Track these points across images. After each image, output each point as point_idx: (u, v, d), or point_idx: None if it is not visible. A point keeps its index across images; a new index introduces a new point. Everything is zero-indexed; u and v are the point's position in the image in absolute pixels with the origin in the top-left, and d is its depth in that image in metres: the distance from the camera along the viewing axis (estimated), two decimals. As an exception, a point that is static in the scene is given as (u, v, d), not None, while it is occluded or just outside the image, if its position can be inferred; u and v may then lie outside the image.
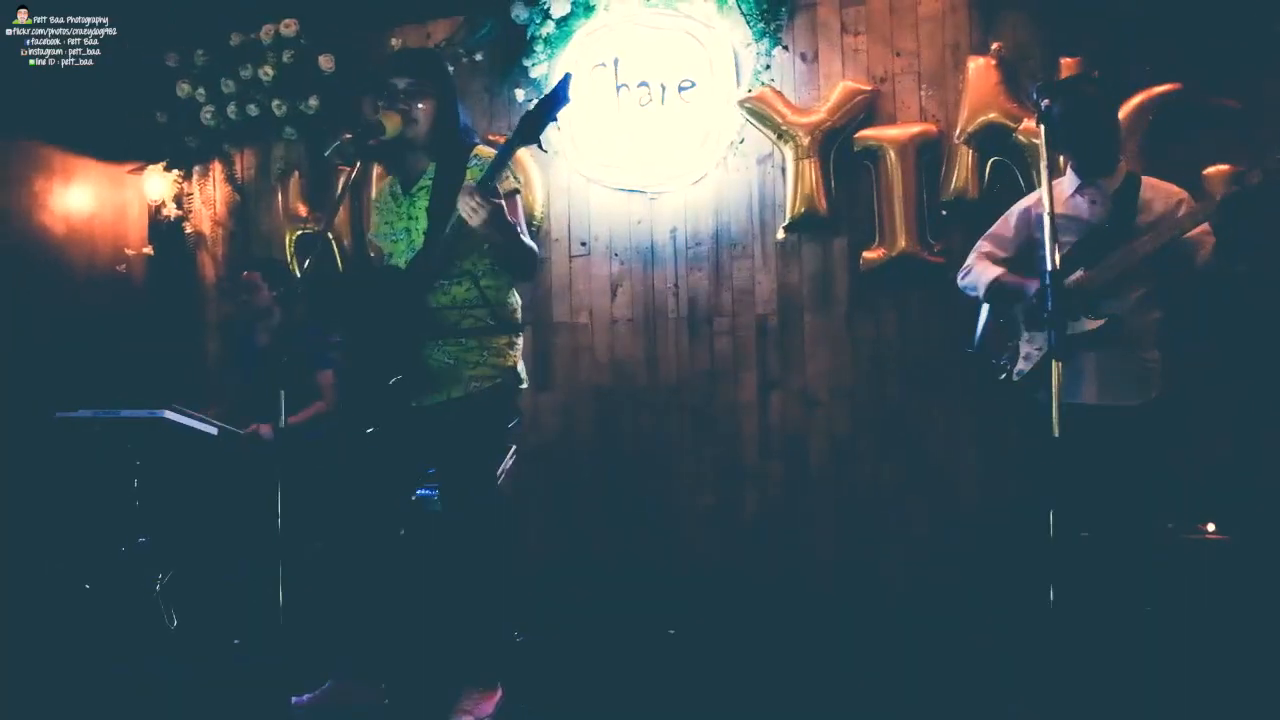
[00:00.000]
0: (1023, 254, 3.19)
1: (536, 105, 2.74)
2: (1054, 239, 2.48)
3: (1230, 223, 2.75)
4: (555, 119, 2.75)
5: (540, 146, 2.81)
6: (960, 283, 3.33)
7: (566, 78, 2.73)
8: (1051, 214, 2.47)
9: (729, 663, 3.53)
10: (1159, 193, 3.03)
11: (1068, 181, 3.11)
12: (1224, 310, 3.49)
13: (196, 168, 5.16)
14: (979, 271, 3.22)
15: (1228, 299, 3.41)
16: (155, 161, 5.17)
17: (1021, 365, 3.09)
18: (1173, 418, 3.04)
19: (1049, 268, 2.46)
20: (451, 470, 3.02)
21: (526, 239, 2.90)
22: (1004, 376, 3.15)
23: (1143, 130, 3.58)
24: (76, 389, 4.32)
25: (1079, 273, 2.96)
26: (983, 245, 3.28)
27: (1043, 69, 3.77)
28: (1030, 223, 3.17)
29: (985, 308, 3.26)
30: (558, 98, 2.73)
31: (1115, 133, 3.09)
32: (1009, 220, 3.25)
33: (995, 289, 3.15)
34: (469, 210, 2.68)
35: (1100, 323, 2.91)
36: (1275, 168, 2.67)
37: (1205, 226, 2.87)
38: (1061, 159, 3.22)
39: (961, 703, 3.06)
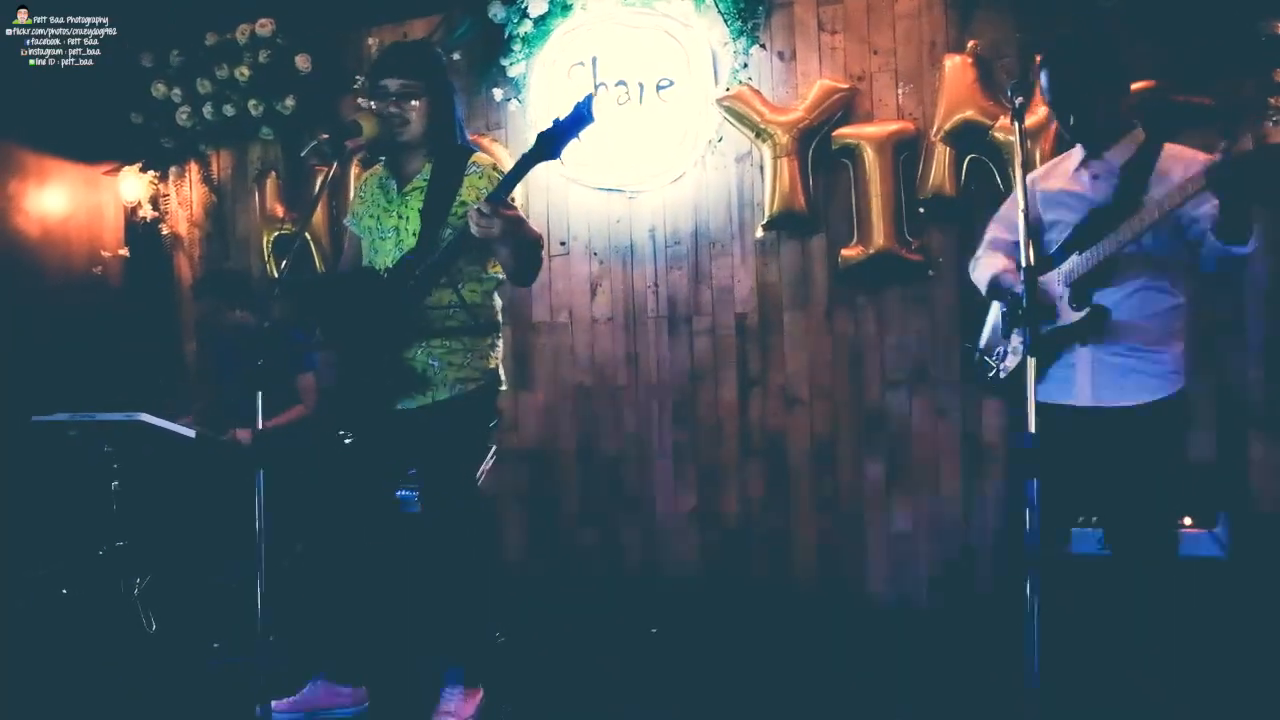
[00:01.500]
0: (1033, 235, 2.75)
1: (556, 124, 2.70)
2: (1028, 229, 2.38)
3: (1228, 189, 2.30)
4: (579, 137, 2.72)
5: (561, 163, 2.81)
6: (972, 276, 3.03)
7: (589, 97, 2.69)
8: (1027, 210, 2.38)
9: (711, 662, 3.54)
10: (1180, 162, 2.59)
11: (1075, 155, 2.78)
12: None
13: (173, 169, 5.13)
14: (984, 266, 2.93)
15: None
16: (131, 163, 5.14)
17: (1009, 362, 2.85)
18: (1186, 420, 2.78)
19: (1023, 262, 2.36)
20: (433, 472, 3.02)
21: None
22: (992, 375, 2.92)
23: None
24: (53, 392, 4.28)
25: (1074, 258, 2.65)
26: (991, 229, 3.00)
27: (1019, 67, 3.79)
28: (1036, 200, 2.83)
29: (992, 303, 2.99)
30: (581, 117, 2.68)
31: (1113, 93, 2.65)
32: (1016, 199, 2.86)
33: (993, 285, 2.85)
34: (482, 228, 2.66)
35: (1082, 314, 2.61)
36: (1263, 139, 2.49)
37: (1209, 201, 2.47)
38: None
39: (944, 701, 3.07)
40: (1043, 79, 2.69)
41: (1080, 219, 2.67)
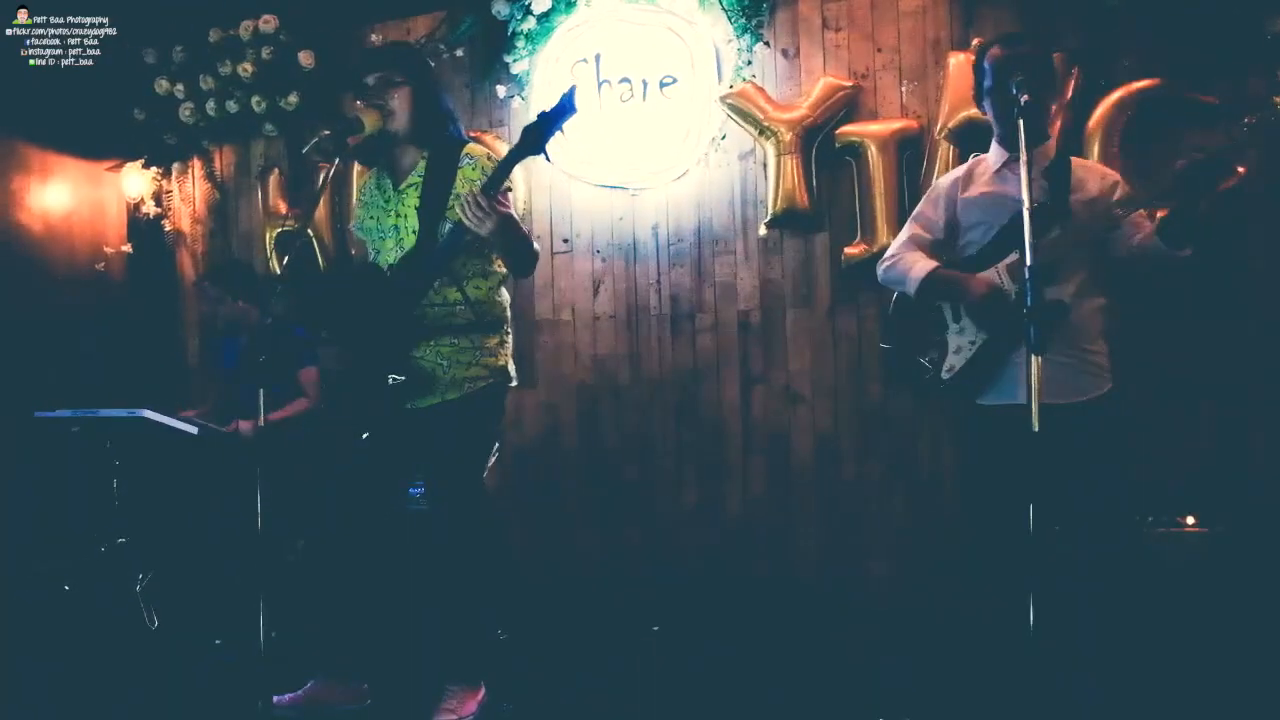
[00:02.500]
0: (950, 237, 2.89)
1: (540, 117, 2.70)
2: (1009, 234, 2.45)
3: (1183, 197, 2.50)
4: (561, 129, 2.72)
5: (546, 158, 2.78)
6: (881, 275, 2.97)
7: (573, 89, 2.69)
8: (1031, 208, 2.33)
9: (713, 659, 3.53)
10: (1091, 172, 2.81)
11: (992, 157, 2.84)
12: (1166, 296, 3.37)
13: (175, 165, 5.13)
14: (906, 263, 2.86)
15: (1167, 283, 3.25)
16: (134, 159, 5.14)
17: (952, 361, 2.78)
18: (1128, 411, 2.82)
19: (1028, 262, 2.32)
20: (440, 470, 3.02)
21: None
22: (929, 376, 2.84)
23: (1122, 126, 3.59)
24: (55, 388, 4.29)
25: (1013, 256, 2.67)
26: (909, 228, 2.95)
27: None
28: (955, 203, 2.86)
29: (896, 296, 2.97)
30: (564, 108, 2.68)
31: (1048, 96, 2.74)
32: (936, 198, 2.94)
33: (929, 286, 2.80)
34: (474, 219, 2.65)
35: (1057, 301, 2.60)
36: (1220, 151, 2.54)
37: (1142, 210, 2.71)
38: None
39: (946, 700, 3.07)
40: (983, 83, 2.76)
41: (1010, 218, 2.67)
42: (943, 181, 2.97)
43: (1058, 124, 2.85)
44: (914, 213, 3.00)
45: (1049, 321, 2.54)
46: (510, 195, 2.98)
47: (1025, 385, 2.37)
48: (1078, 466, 2.64)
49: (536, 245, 2.97)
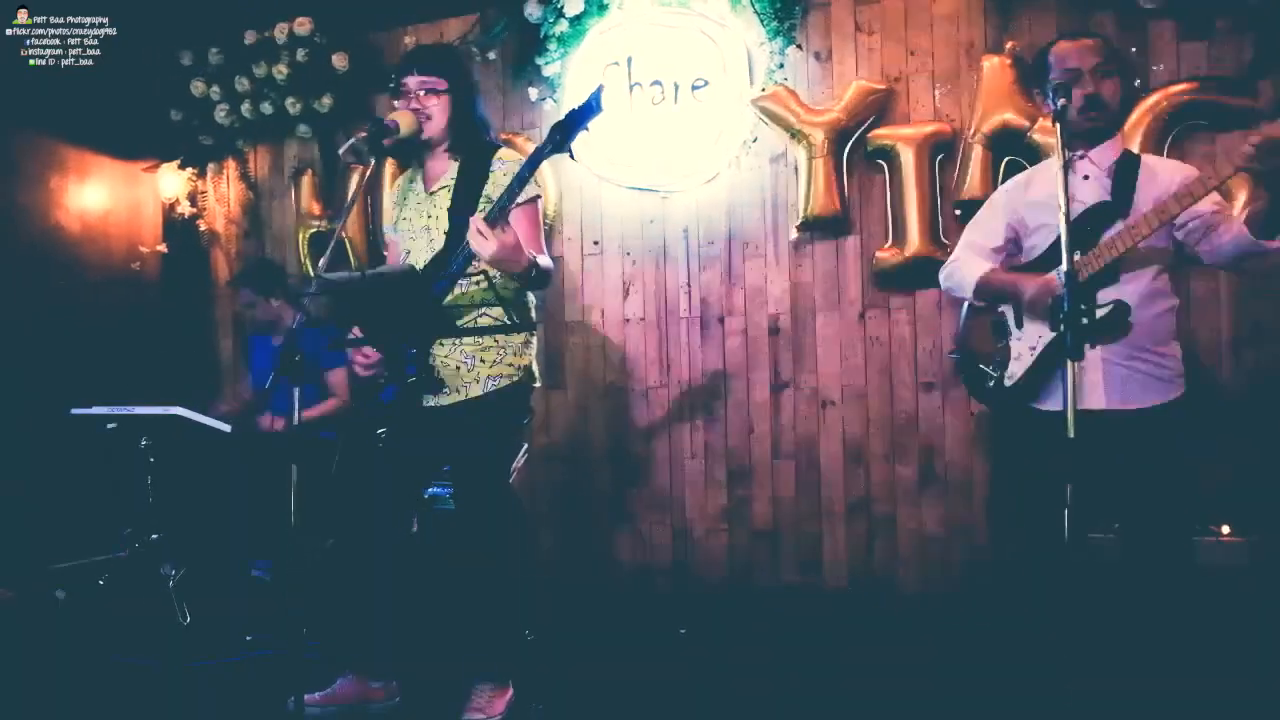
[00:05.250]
0: (1012, 243, 2.89)
1: (567, 115, 2.69)
2: (1070, 236, 2.32)
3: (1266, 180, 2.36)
4: (587, 128, 2.71)
5: (571, 156, 2.77)
6: (943, 282, 3.00)
7: (599, 88, 2.68)
8: (1068, 212, 2.32)
9: (740, 663, 3.52)
10: (1164, 166, 2.71)
11: (1054, 160, 2.74)
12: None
13: (210, 166, 5.19)
14: (964, 268, 2.89)
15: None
16: (170, 159, 5.21)
17: (1013, 369, 2.77)
18: (1198, 419, 2.73)
19: (1064, 266, 2.31)
20: (466, 469, 3.03)
21: (538, 256, 2.81)
22: (992, 384, 2.83)
23: (1158, 130, 3.55)
24: (91, 385, 4.33)
25: (1075, 257, 2.55)
26: (968, 235, 2.96)
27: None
28: (1018, 206, 2.84)
29: (966, 306, 2.97)
30: (590, 108, 2.67)
31: (1118, 92, 2.68)
32: (995, 206, 2.93)
33: (983, 288, 2.83)
34: (477, 243, 2.65)
35: (1107, 309, 2.57)
36: None
37: (1221, 203, 2.60)
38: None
39: (975, 704, 3.04)
40: (1052, 78, 2.66)
41: (1073, 220, 2.58)
42: (1003, 188, 2.96)
43: (1132, 117, 2.79)
44: (972, 220, 3.00)
45: (1099, 326, 2.54)
46: (539, 203, 2.98)
47: (1081, 390, 2.38)
48: (1140, 472, 2.59)
49: (548, 261, 2.88)
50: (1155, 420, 2.60)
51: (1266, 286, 3.50)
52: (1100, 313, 2.57)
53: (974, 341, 2.93)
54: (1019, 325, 2.79)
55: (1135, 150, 2.79)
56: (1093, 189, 2.66)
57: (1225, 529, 3.23)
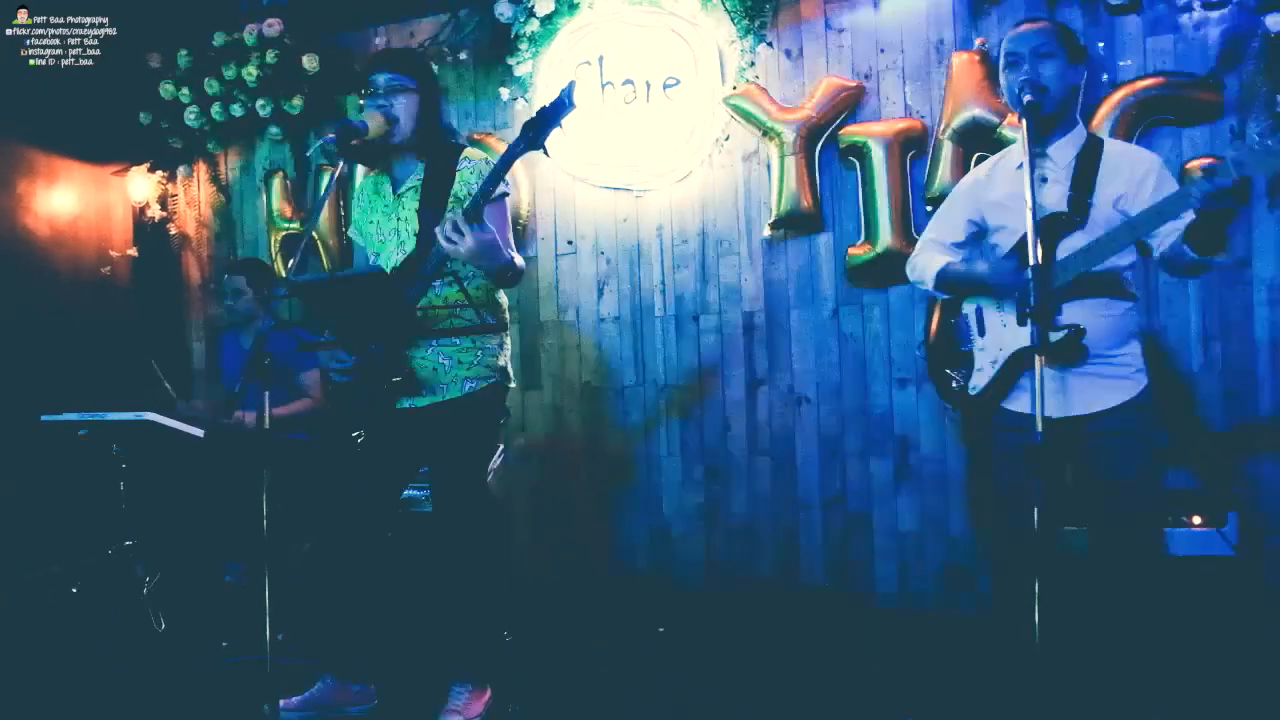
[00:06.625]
0: (974, 237, 2.82)
1: (539, 112, 2.70)
2: (1036, 229, 2.31)
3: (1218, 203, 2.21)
4: (560, 125, 2.71)
5: (545, 153, 2.77)
6: (909, 275, 2.97)
7: (571, 84, 2.69)
8: (1034, 206, 2.31)
9: (718, 660, 3.53)
10: (1126, 159, 2.58)
11: (1014, 153, 2.71)
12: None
13: (181, 168, 5.14)
14: (925, 261, 2.86)
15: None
16: (139, 163, 5.16)
17: (976, 380, 2.73)
18: (1156, 418, 2.66)
19: (1033, 261, 2.30)
20: (443, 471, 3.02)
21: (511, 253, 2.86)
22: (957, 387, 2.80)
23: (1126, 124, 3.59)
24: (62, 391, 4.29)
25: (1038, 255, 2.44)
26: (930, 229, 2.93)
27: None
28: (976, 202, 2.78)
29: (938, 306, 2.94)
30: (563, 104, 2.68)
31: (1073, 78, 2.59)
32: (955, 201, 2.88)
33: (942, 279, 2.79)
34: (449, 243, 2.65)
35: (1061, 335, 2.49)
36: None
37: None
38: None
39: (950, 702, 3.07)
40: (1000, 62, 2.62)
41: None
42: (964, 182, 2.90)
43: (1100, 111, 2.72)
44: (934, 215, 2.96)
45: (1052, 351, 2.45)
46: (506, 201, 2.98)
47: (1048, 399, 2.32)
48: (1106, 467, 2.56)
49: (517, 257, 2.90)
50: (1117, 418, 2.55)
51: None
52: (1054, 337, 2.47)
53: (939, 344, 2.90)
54: (981, 333, 2.73)
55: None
56: (1052, 192, 2.57)
57: (1197, 519, 3.25)
